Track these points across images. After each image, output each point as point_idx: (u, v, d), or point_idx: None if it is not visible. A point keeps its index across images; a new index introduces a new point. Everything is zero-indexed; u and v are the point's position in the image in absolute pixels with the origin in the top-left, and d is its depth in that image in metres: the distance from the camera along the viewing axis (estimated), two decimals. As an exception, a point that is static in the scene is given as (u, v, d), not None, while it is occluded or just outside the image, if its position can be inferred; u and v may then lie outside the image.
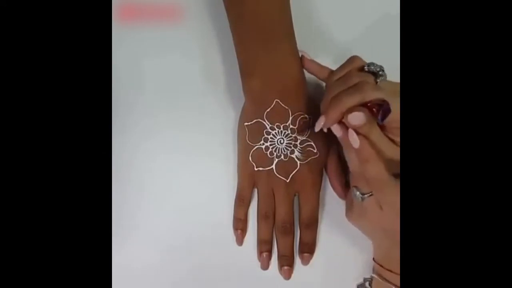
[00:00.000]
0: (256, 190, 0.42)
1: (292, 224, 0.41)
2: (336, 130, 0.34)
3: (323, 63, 0.43)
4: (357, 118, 0.32)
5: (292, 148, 0.40)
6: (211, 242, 0.42)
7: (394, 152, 0.34)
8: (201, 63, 0.44)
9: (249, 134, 0.40)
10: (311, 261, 0.41)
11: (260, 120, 0.40)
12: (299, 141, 0.40)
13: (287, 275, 0.40)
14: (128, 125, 0.43)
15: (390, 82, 0.34)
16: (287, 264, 0.40)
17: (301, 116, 0.39)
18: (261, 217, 0.41)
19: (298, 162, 0.40)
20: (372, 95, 0.32)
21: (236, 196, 0.42)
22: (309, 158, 0.40)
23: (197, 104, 0.43)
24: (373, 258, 0.38)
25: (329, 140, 0.40)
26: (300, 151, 0.40)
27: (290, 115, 0.39)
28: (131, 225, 0.42)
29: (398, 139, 0.34)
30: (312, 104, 0.40)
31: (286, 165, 0.40)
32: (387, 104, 0.31)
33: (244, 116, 0.41)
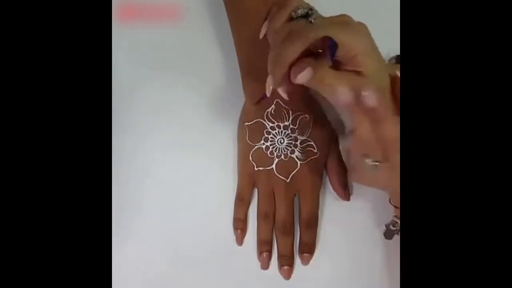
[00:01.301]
0: (256, 190, 0.42)
1: (292, 224, 0.41)
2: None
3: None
4: (304, 76, 0.29)
5: (292, 148, 0.40)
6: (211, 242, 0.42)
7: (362, 81, 0.30)
8: (201, 63, 0.44)
9: (249, 134, 0.40)
10: (311, 261, 0.41)
11: (261, 120, 0.40)
12: (299, 141, 0.40)
13: (287, 275, 0.40)
14: (128, 125, 0.43)
15: (322, 17, 0.32)
16: (287, 264, 0.40)
17: (302, 116, 0.39)
18: (261, 217, 0.41)
19: (299, 162, 0.40)
20: (309, 36, 0.29)
21: (236, 196, 0.42)
22: (309, 158, 0.40)
23: (197, 104, 0.43)
24: (389, 200, 0.36)
25: (329, 140, 0.40)
26: (300, 151, 0.40)
27: (291, 115, 0.39)
28: (131, 225, 0.42)
29: (361, 68, 0.30)
30: (312, 103, 0.40)
31: (286, 165, 0.40)
32: (330, 38, 0.29)
33: (244, 116, 0.41)
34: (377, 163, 0.31)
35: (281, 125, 0.40)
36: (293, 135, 0.40)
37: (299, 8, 0.32)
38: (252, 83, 0.40)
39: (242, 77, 0.40)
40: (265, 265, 0.41)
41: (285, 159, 0.40)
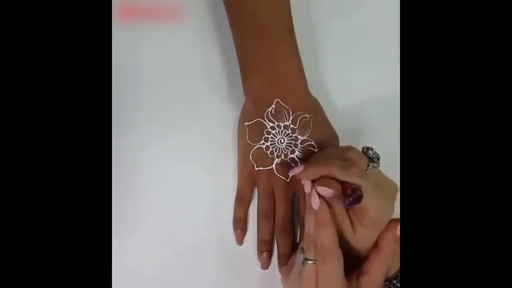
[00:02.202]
0: (256, 189, 0.42)
1: (292, 224, 0.41)
2: (306, 186, 0.34)
3: (323, 61, 0.44)
4: (324, 191, 0.32)
5: (293, 148, 0.40)
6: (211, 242, 0.42)
7: (350, 235, 0.34)
8: (201, 63, 0.44)
9: (249, 134, 0.40)
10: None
11: (261, 119, 0.40)
12: (299, 140, 0.40)
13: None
14: (128, 125, 0.43)
15: (379, 173, 0.35)
16: (287, 264, 0.40)
17: (302, 116, 0.39)
18: (261, 217, 0.41)
19: (299, 162, 0.40)
20: (354, 179, 0.32)
21: (236, 196, 0.42)
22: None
23: (197, 104, 0.43)
24: None
25: (330, 140, 0.40)
26: (300, 150, 0.40)
27: (291, 114, 0.39)
28: (131, 225, 0.42)
29: (358, 228, 0.34)
30: (312, 103, 0.40)
31: (287, 165, 0.40)
32: (360, 195, 0.32)
33: (244, 116, 0.41)
34: (306, 261, 0.34)
35: (281, 125, 0.40)
36: (293, 135, 0.40)
37: (372, 150, 0.35)
38: (252, 83, 0.40)
39: (242, 77, 0.40)
40: (265, 265, 0.41)
41: (285, 159, 0.40)
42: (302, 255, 0.34)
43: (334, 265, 0.33)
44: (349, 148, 0.35)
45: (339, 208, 0.34)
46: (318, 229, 0.33)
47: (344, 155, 0.34)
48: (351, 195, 0.32)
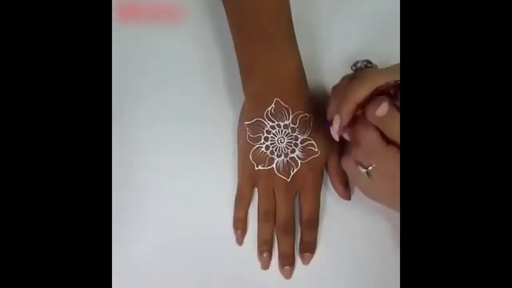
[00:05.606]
0: (256, 189, 0.42)
1: (293, 224, 0.41)
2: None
3: (323, 62, 0.44)
4: (383, 109, 0.31)
5: (293, 147, 0.40)
6: (211, 242, 0.42)
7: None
8: (201, 63, 0.44)
9: (249, 133, 0.40)
10: (312, 261, 0.41)
11: (261, 119, 0.40)
12: (299, 140, 0.40)
13: (288, 275, 0.40)
14: (128, 125, 0.43)
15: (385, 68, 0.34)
16: (288, 263, 0.40)
17: (302, 115, 0.39)
18: (261, 216, 0.41)
19: (299, 161, 0.40)
20: (380, 80, 0.32)
21: (236, 196, 0.42)
22: (310, 157, 0.40)
23: (197, 104, 0.43)
24: None
25: (330, 139, 0.40)
26: (301, 150, 0.40)
27: (291, 114, 0.39)
28: (131, 226, 0.42)
29: None
30: (312, 102, 0.40)
31: (287, 165, 0.40)
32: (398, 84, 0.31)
33: (244, 115, 0.41)
34: (367, 169, 0.34)
35: (281, 124, 0.40)
36: (293, 134, 0.40)
37: (358, 62, 0.35)
38: (252, 83, 0.40)
39: (242, 78, 0.40)
40: (265, 265, 0.41)
41: (286, 158, 0.40)
42: (362, 168, 0.34)
43: (389, 161, 0.32)
44: (344, 80, 0.35)
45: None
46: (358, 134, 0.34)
47: (347, 87, 0.34)
48: (396, 92, 0.31)
